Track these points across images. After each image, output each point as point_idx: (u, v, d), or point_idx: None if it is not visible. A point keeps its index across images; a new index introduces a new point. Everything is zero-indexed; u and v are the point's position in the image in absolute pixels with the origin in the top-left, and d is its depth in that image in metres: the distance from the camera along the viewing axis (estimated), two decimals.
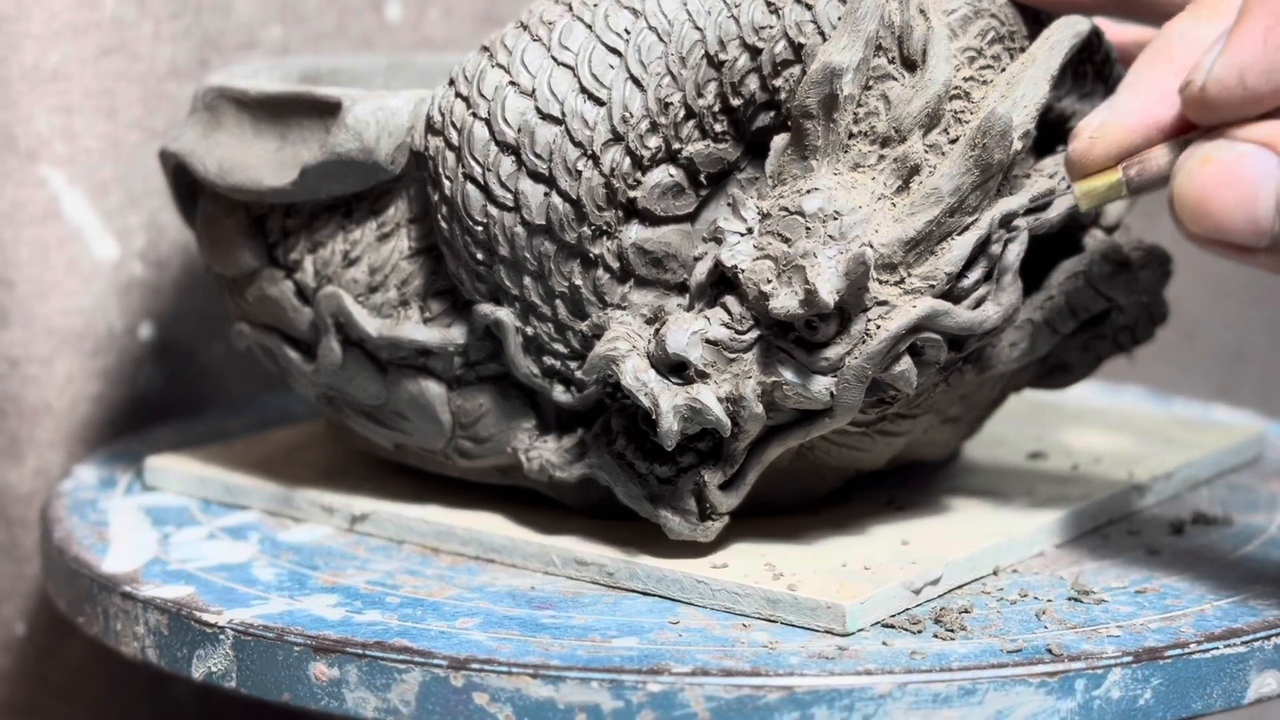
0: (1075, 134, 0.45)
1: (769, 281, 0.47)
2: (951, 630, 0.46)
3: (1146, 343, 0.54)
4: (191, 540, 0.55)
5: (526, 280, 0.50)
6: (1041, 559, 0.52)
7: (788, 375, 0.47)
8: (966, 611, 0.48)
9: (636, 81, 0.49)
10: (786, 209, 0.47)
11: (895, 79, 0.48)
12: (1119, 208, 0.53)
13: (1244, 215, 0.42)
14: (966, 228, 0.48)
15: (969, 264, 0.48)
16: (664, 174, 0.50)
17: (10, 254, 0.65)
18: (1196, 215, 0.43)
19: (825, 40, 0.49)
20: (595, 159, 0.49)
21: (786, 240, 0.47)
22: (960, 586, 0.50)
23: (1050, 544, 0.53)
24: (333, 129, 0.51)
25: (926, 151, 0.48)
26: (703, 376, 0.48)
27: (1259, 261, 0.43)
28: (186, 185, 0.57)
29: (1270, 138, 0.42)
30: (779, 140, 0.49)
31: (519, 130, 0.50)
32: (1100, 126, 0.45)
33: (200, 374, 0.70)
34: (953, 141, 0.48)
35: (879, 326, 0.47)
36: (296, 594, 0.50)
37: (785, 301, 0.46)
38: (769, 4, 0.49)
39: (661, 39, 0.49)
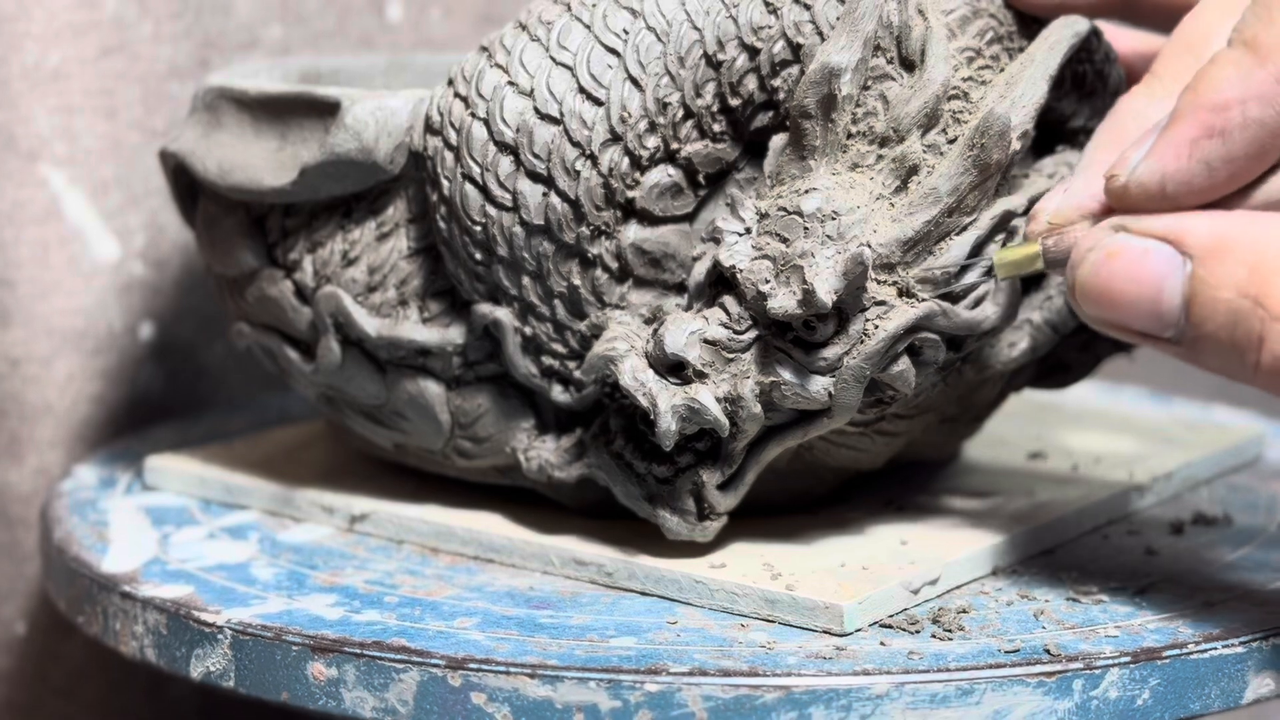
0: (1033, 215, 0.46)
1: (767, 281, 0.47)
2: (949, 630, 0.46)
3: None
4: (191, 540, 0.55)
5: (525, 280, 0.50)
6: (1041, 559, 0.52)
7: (786, 375, 0.47)
8: (965, 612, 0.48)
9: (635, 81, 0.49)
10: (785, 209, 0.47)
11: (894, 79, 0.48)
12: None
13: (1148, 310, 0.42)
14: (965, 228, 0.48)
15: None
16: (662, 174, 0.50)
17: (10, 254, 0.65)
18: (1099, 305, 0.43)
19: (823, 40, 0.49)
20: (594, 159, 0.49)
21: (785, 240, 0.47)
22: (959, 586, 0.50)
23: (1049, 544, 0.53)
24: (332, 129, 0.51)
25: (925, 151, 0.48)
26: (701, 376, 0.48)
27: (1162, 348, 0.43)
28: (186, 185, 0.57)
29: (1176, 233, 0.42)
30: (777, 140, 0.49)
31: (517, 130, 0.50)
32: (1057, 211, 0.45)
33: (200, 374, 0.71)
34: (951, 142, 0.48)
35: (877, 326, 0.47)
36: (295, 594, 0.50)
37: (783, 301, 0.46)
38: (767, 4, 0.49)
39: (660, 39, 0.49)
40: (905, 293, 0.47)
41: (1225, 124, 0.42)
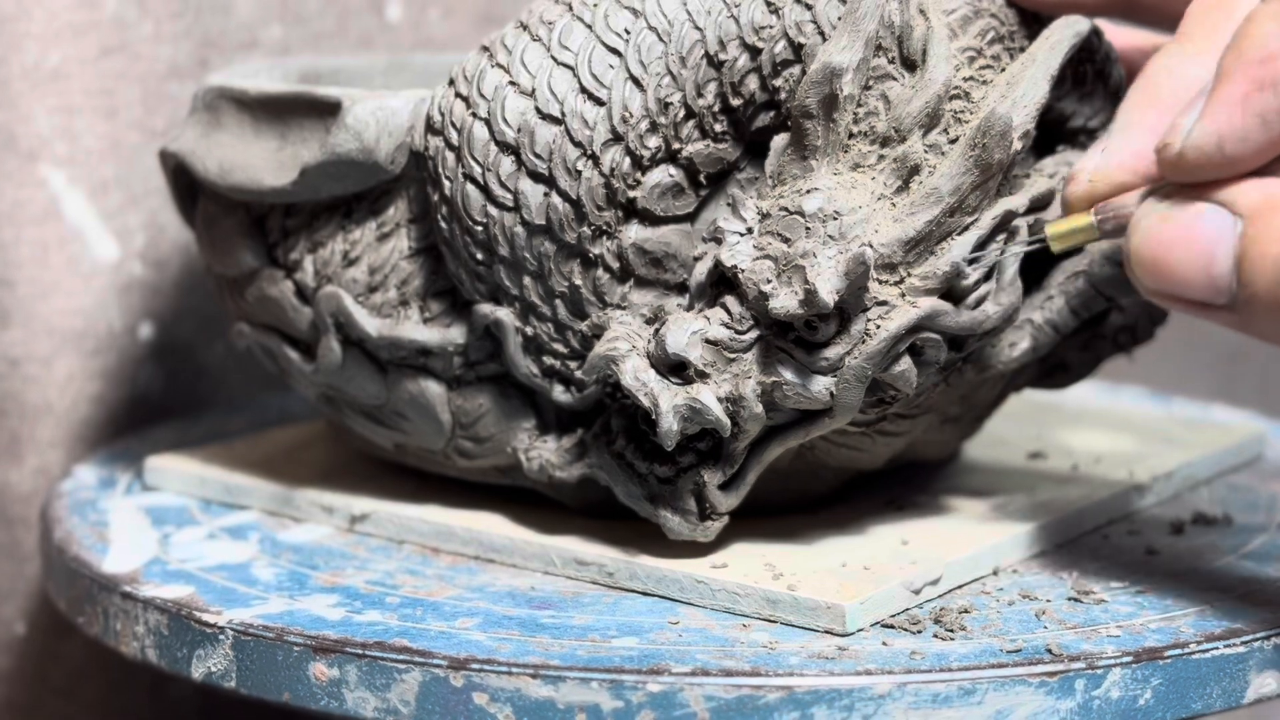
0: (1072, 177, 0.45)
1: (769, 281, 0.47)
2: (951, 630, 0.46)
3: (1146, 343, 0.54)
4: (192, 540, 0.55)
5: (526, 280, 0.50)
6: (1041, 559, 0.52)
7: (787, 375, 0.47)
8: (966, 611, 0.48)
9: (636, 81, 0.49)
10: (786, 209, 0.47)
11: (895, 79, 0.48)
12: None
13: (1201, 274, 0.42)
14: (966, 228, 0.48)
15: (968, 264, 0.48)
16: (664, 174, 0.50)
17: (10, 254, 0.65)
18: (1154, 272, 0.43)
19: (825, 40, 0.49)
20: (595, 159, 0.49)
21: (786, 240, 0.47)
22: (960, 586, 0.50)
23: (1050, 544, 0.53)
24: (333, 129, 0.51)
25: (926, 151, 0.48)
26: (702, 376, 0.48)
27: (1218, 318, 0.43)
28: (186, 185, 0.57)
29: (1228, 197, 0.42)
30: (779, 140, 0.49)
31: (519, 130, 0.50)
32: (1096, 170, 0.45)
33: (200, 374, 0.70)
34: (953, 141, 0.48)
35: (879, 326, 0.47)
36: (296, 594, 0.50)
37: (785, 301, 0.46)
38: (769, 4, 0.49)
39: (661, 39, 0.49)
40: (907, 292, 0.47)
41: (1274, 76, 0.41)
